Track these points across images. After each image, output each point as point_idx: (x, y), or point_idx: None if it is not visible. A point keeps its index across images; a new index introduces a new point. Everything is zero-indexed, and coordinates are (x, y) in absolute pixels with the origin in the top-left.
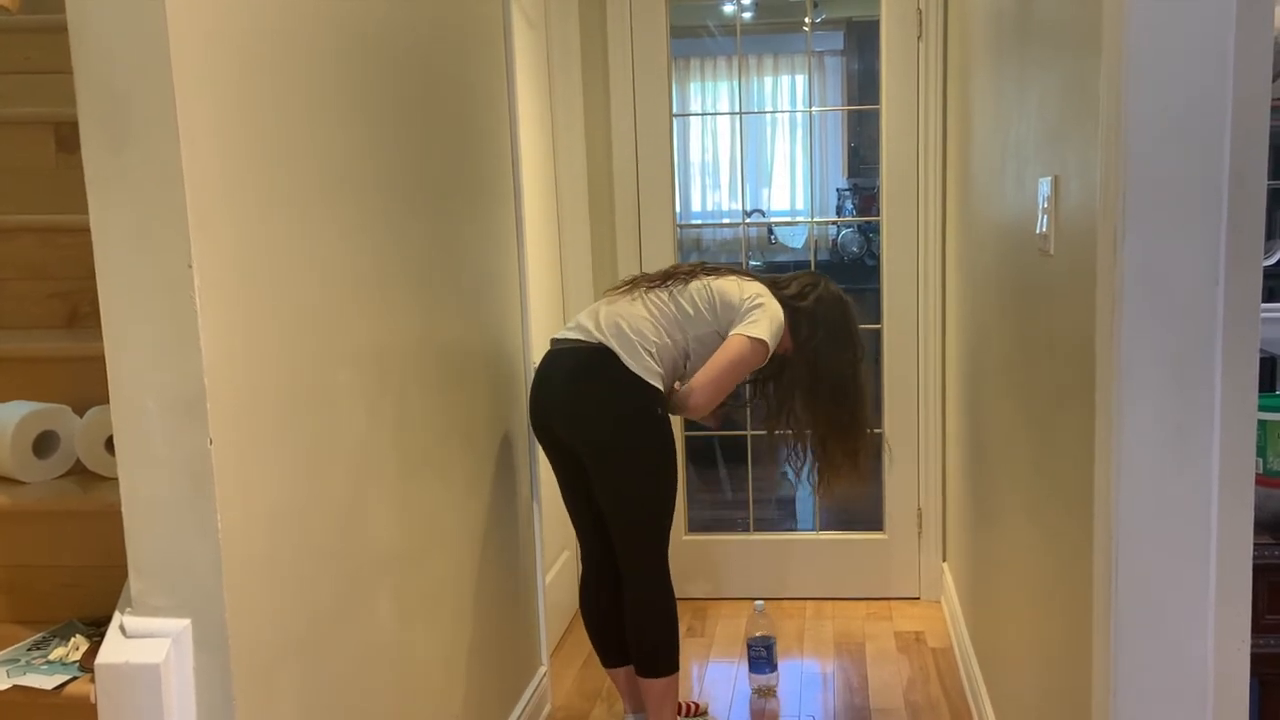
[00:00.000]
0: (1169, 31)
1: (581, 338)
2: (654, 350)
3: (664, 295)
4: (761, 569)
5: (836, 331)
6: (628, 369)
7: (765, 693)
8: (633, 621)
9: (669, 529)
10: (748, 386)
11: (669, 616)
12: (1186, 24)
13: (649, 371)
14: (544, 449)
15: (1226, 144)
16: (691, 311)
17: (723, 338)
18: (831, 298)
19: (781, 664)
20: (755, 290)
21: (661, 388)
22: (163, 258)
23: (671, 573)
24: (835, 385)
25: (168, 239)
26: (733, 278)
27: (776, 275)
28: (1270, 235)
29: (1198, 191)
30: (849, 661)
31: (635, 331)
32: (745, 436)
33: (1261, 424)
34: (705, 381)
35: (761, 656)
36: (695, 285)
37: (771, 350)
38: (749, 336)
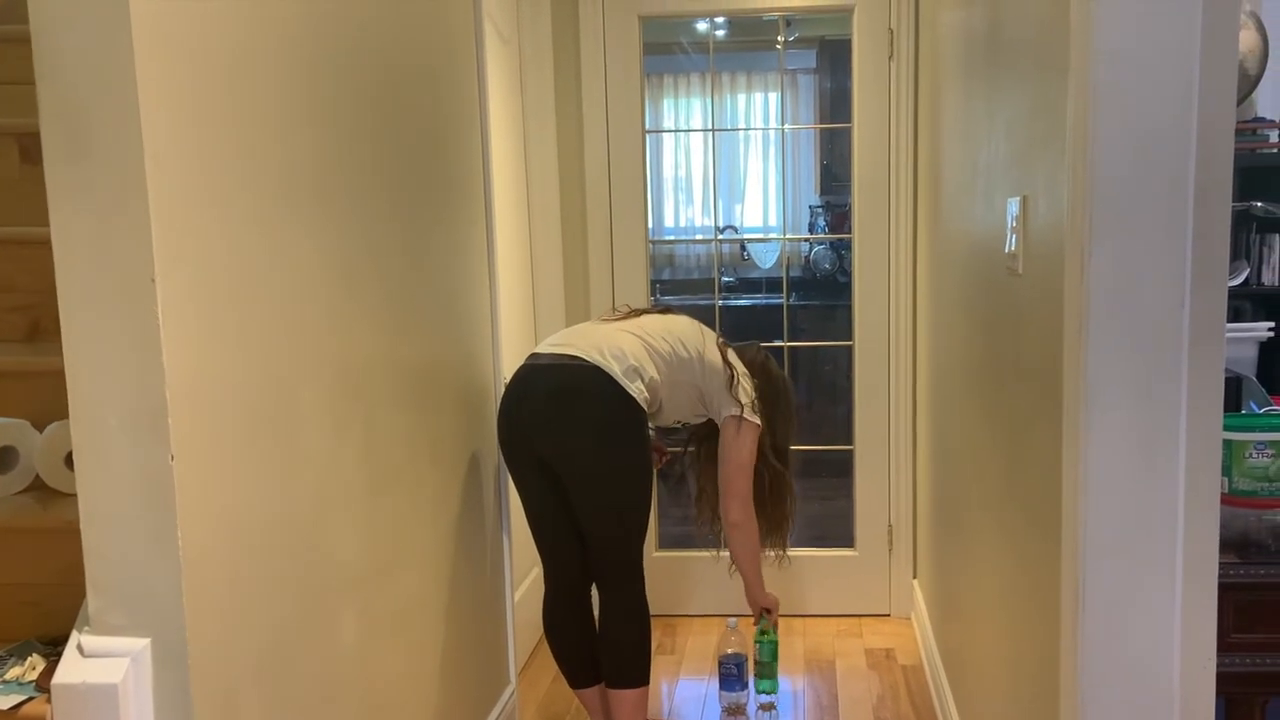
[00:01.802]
0: (1135, 54)
1: (577, 355)
2: (648, 382)
3: (666, 335)
4: (732, 586)
5: (788, 404)
6: (623, 390)
7: (735, 710)
8: (610, 631)
9: (645, 533)
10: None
11: (644, 627)
12: (1153, 47)
13: (640, 396)
14: (512, 466)
15: (1192, 165)
16: (685, 356)
17: (700, 391)
18: (779, 371)
19: (751, 682)
20: (738, 366)
21: (647, 409)
22: (125, 271)
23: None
24: (779, 453)
25: (130, 252)
26: (717, 343)
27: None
28: (1235, 256)
29: (1164, 212)
30: (819, 679)
31: (637, 360)
32: None
33: (1227, 443)
34: (744, 476)
35: (733, 674)
36: (692, 338)
37: (758, 423)
38: (754, 423)
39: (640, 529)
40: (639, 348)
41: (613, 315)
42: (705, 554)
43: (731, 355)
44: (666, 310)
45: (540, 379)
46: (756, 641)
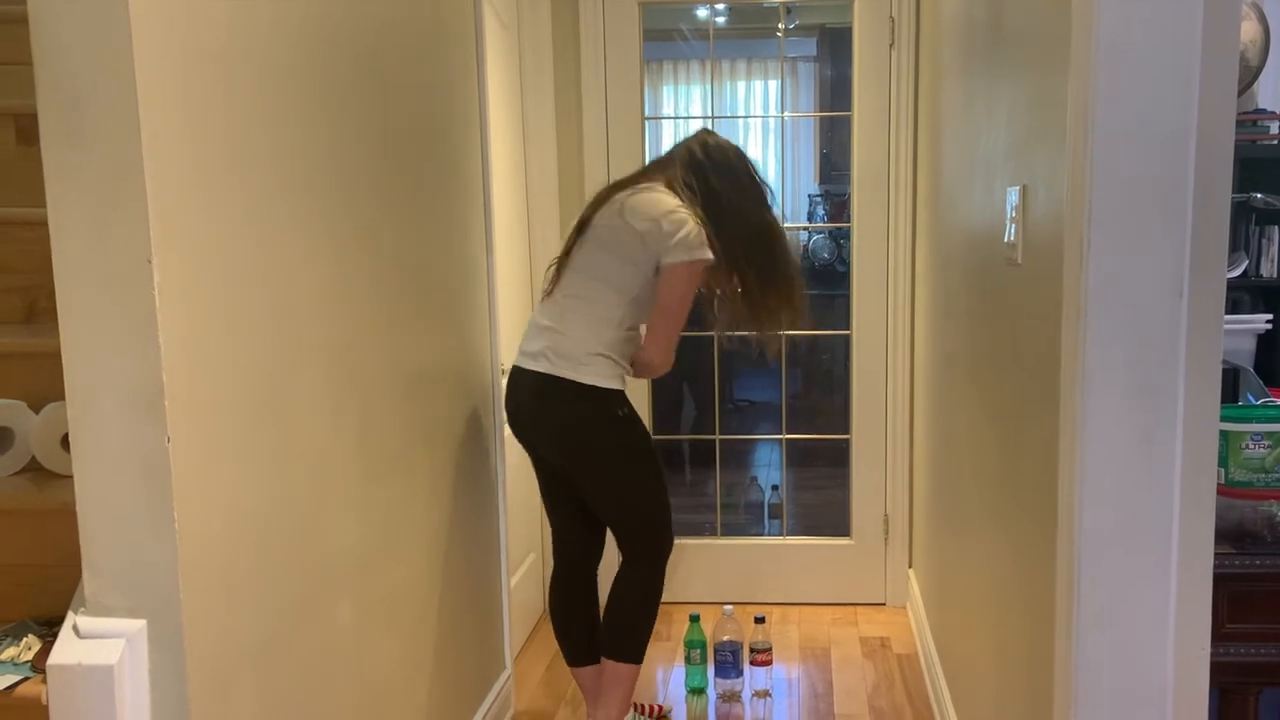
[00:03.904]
0: (1137, 44)
1: (531, 366)
2: (600, 350)
3: (579, 279)
4: (728, 573)
5: (738, 184)
6: (581, 384)
7: (730, 697)
8: (615, 600)
9: (664, 515)
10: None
11: (649, 607)
12: (1154, 37)
13: (602, 376)
14: (525, 448)
15: (1191, 157)
16: (614, 270)
17: (644, 275)
18: (718, 153)
19: (747, 669)
20: (670, 205)
21: (617, 384)
22: (122, 253)
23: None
24: (756, 233)
25: (127, 234)
26: (646, 194)
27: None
28: (1234, 248)
29: (1163, 203)
30: (814, 667)
31: (575, 342)
32: (714, 440)
33: (1223, 434)
34: (657, 335)
35: (728, 661)
36: (603, 226)
37: (707, 258)
38: (682, 264)
39: (649, 510)
40: (572, 322)
41: (546, 289)
42: (701, 541)
43: (660, 197)
44: (582, 226)
45: (521, 383)
46: (689, 643)
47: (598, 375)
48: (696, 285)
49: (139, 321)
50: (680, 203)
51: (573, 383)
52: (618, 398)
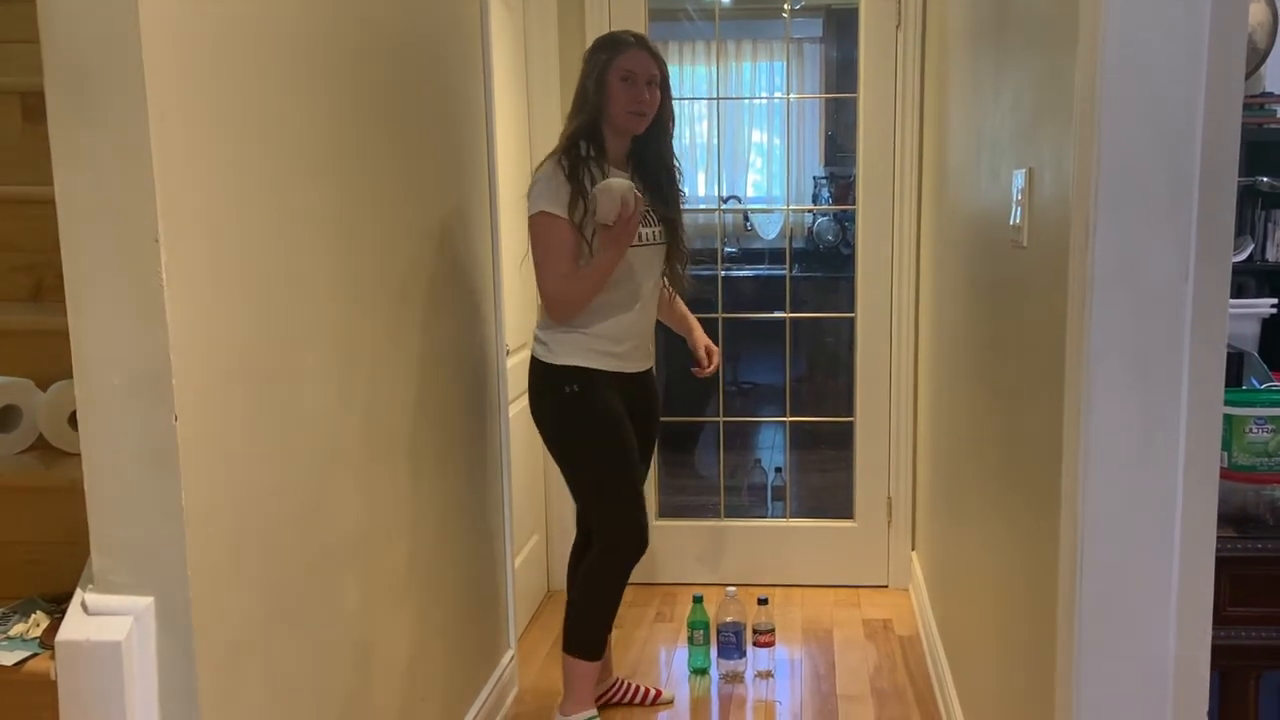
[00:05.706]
0: (1144, 26)
1: None
2: (563, 325)
3: None
4: (732, 555)
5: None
6: (538, 361)
7: (733, 678)
8: (575, 578)
9: (617, 509)
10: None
11: (597, 597)
12: (1162, 19)
13: (559, 352)
14: None
15: (1199, 139)
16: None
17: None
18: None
19: (750, 650)
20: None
21: (579, 360)
22: (129, 231)
23: (638, 564)
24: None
25: (134, 212)
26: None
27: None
28: (1239, 232)
29: (1169, 186)
30: (816, 648)
31: (544, 321)
32: (719, 422)
33: (1227, 418)
34: (538, 277)
35: (731, 642)
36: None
37: (550, 209)
38: (530, 218)
39: (595, 498)
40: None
41: None
42: (705, 523)
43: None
44: None
45: None
46: (691, 624)
47: (555, 351)
48: (556, 236)
49: (146, 300)
50: (548, 159)
51: (534, 360)
52: (572, 374)
